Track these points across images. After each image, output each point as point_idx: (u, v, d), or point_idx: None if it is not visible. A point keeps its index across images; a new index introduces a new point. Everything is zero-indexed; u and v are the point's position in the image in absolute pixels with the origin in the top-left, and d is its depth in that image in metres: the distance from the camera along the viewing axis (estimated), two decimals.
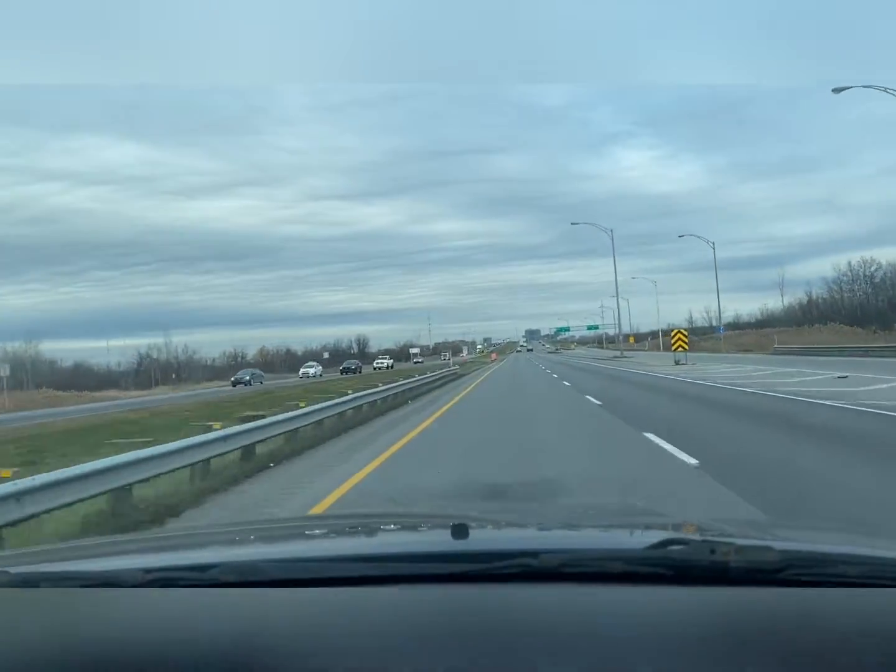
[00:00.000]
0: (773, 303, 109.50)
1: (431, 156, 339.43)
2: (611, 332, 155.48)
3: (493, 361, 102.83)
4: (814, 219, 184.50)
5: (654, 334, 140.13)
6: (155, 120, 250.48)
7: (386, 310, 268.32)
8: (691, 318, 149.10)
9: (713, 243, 59.68)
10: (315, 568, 1.32)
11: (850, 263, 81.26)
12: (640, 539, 1.54)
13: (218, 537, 2.03)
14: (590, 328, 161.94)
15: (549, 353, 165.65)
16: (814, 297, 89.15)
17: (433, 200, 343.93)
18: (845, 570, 1.17)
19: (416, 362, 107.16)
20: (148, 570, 1.28)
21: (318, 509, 6.85)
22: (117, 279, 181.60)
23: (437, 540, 1.62)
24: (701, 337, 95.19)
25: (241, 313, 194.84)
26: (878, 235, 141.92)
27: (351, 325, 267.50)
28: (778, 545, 1.31)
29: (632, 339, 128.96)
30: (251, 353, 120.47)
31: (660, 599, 1.11)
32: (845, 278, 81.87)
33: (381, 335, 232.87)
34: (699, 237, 60.92)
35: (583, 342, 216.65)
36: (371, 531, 1.99)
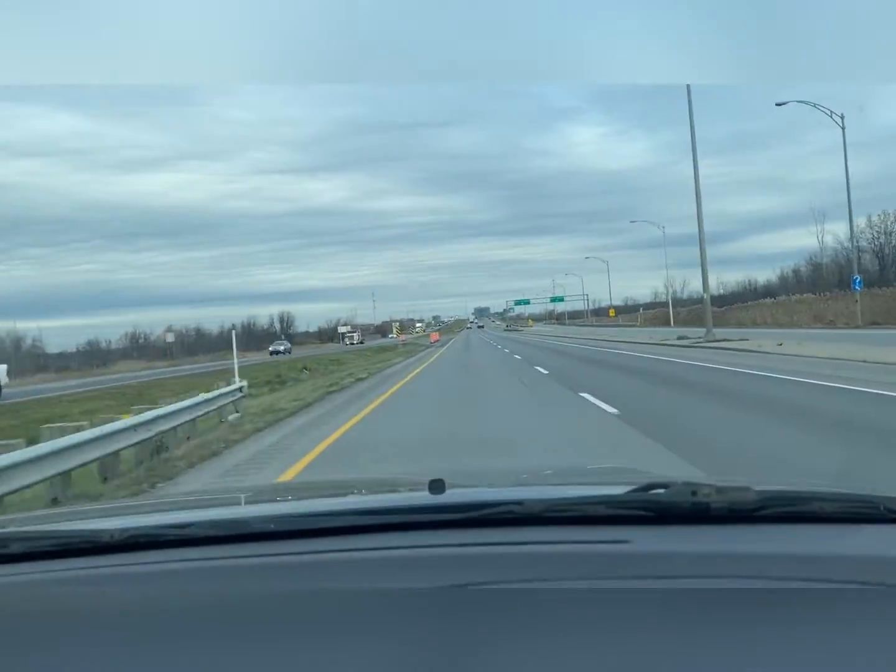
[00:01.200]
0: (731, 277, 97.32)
1: (383, 129, 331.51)
2: (561, 307, 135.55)
3: (432, 343, 72.94)
4: (759, 196, 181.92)
5: (637, 308, 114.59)
6: (93, 89, 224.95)
7: (333, 288, 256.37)
8: (671, 290, 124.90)
9: (842, 115, 33.50)
10: (298, 521, 1.32)
11: (869, 219, 64.34)
12: (621, 487, 1.44)
13: (197, 502, 2.05)
14: (554, 300, 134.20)
15: (506, 330, 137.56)
16: (813, 261, 72.96)
17: (384, 175, 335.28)
18: (820, 506, 1.21)
19: (273, 351, 69.46)
20: (125, 530, 1.28)
21: None
22: (52, 257, 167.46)
23: (416, 495, 1.57)
24: (734, 307, 66.63)
25: (182, 292, 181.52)
26: (824, 211, 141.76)
27: (296, 303, 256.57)
28: (756, 486, 1.33)
29: (612, 313, 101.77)
30: (156, 333, 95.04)
31: (643, 538, 1.12)
32: (864, 236, 64.52)
33: (328, 314, 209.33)
34: (816, 105, 35.91)
35: (536, 319, 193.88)
36: (349, 491, 1.99)
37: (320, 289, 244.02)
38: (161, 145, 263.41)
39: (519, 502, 1.23)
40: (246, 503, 1.85)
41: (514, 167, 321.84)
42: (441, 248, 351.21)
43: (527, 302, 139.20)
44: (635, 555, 1.07)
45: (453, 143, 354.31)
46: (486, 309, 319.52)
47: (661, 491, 1.24)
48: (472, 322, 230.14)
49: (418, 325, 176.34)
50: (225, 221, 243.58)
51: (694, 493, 1.21)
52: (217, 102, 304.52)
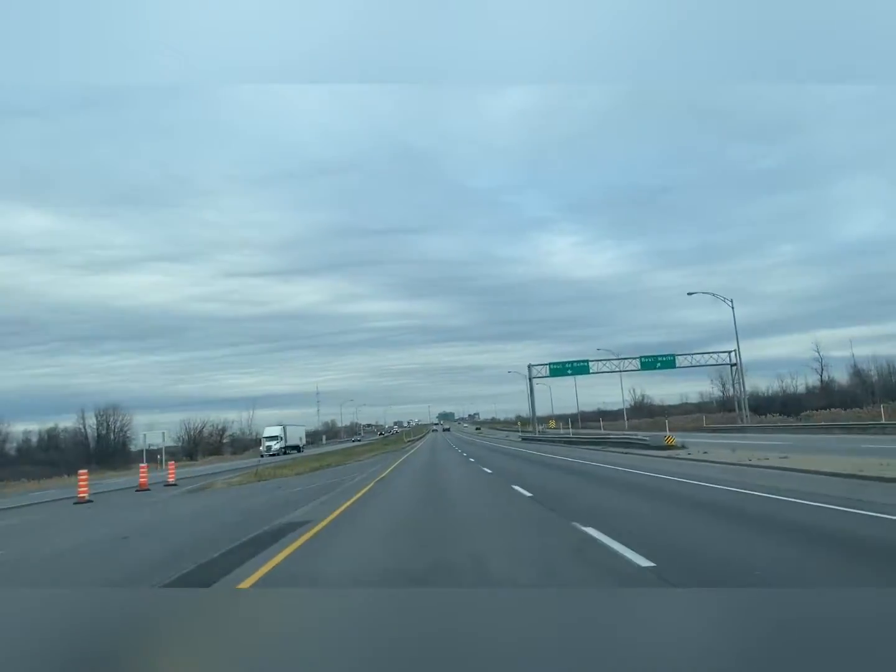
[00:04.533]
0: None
1: (356, 234, 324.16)
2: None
3: None
4: (719, 307, 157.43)
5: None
6: (64, 188, 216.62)
7: (298, 392, 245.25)
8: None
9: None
10: None
11: None
12: None
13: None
14: (648, 365, 52.00)
15: (530, 439, 53.81)
16: None
17: (355, 280, 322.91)
18: None
19: None
20: None
21: None
22: (7, 360, 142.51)
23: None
24: None
25: (140, 397, 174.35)
26: (778, 324, 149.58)
27: (260, 408, 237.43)
28: None
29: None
30: None
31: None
32: None
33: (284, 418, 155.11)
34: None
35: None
36: None
37: (285, 393, 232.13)
38: (132, 246, 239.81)
39: None
40: None
41: (486, 273, 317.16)
42: (411, 352, 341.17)
43: (584, 368, 56.71)
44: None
45: (427, 249, 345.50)
46: (451, 414, 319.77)
47: None
48: (436, 426, 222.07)
49: (271, 433, 77.78)
50: (191, 324, 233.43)
51: None
52: (192, 203, 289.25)
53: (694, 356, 58.98)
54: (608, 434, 45.96)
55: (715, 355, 58.86)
